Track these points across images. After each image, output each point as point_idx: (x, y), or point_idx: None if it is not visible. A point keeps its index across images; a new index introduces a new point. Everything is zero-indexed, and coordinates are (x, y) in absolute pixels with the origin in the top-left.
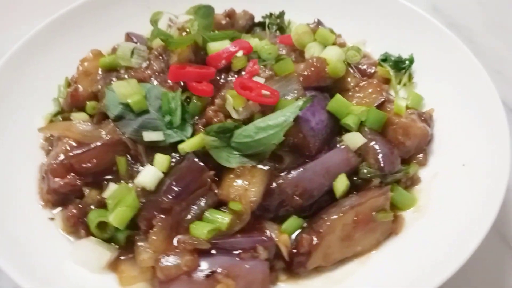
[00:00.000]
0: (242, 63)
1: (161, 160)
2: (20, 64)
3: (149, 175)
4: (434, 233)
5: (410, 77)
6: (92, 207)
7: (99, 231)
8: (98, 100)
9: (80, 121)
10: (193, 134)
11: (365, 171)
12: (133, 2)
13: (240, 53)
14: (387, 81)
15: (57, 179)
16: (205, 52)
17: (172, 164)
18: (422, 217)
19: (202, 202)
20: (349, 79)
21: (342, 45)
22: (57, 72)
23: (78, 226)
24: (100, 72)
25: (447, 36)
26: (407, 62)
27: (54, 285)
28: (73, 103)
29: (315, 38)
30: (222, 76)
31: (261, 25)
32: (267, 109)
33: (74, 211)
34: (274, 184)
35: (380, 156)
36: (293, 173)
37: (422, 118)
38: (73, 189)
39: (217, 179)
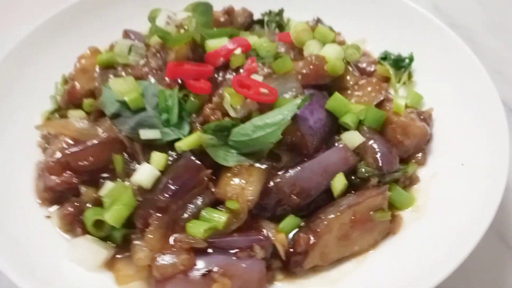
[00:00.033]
0: (240, 61)
1: (158, 158)
2: (19, 63)
3: (145, 173)
4: (432, 233)
5: (409, 76)
6: (89, 205)
7: (96, 229)
8: (95, 98)
9: (76, 119)
10: (190, 132)
11: (363, 170)
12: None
13: (238, 51)
14: (386, 79)
15: (53, 177)
16: (203, 49)
17: (169, 162)
18: (421, 217)
19: (199, 201)
20: (348, 78)
21: (341, 43)
22: (56, 70)
23: (74, 225)
24: (97, 69)
25: (447, 35)
26: (406, 60)
27: (51, 284)
28: (70, 100)
29: (314, 36)
30: (220, 74)
31: (260, 22)
32: (265, 107)
33: (71, 209)
34: (272, 183)
35: (378, 155)
36: (291, 172)
37: (422, 117)
38: (70, 187)
39: (214, 177)
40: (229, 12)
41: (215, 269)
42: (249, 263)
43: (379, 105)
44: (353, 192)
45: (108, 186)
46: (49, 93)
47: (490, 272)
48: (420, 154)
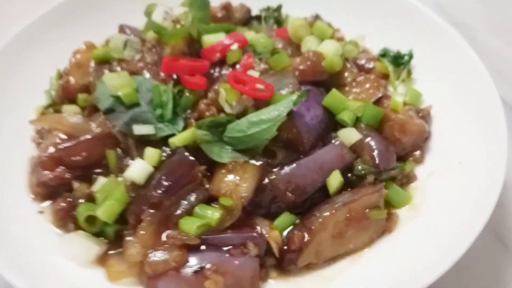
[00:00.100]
0: (236, 56)
1: (151, 154)
2: (14, 57)
3: (138, 169)
4: (428, 231)
5: (409, 73)
6: (82, 200)
7: (88, 225)
8: (89, 93)
9: (70, 114)
10: (184, 128)
11: (359, 167)
12: None
13: (234, 46)
14: (385, 76)
15: (46, 172)
16: (199, 45)
17: (163, 158)
18: (417, 215)
19: (193, 197)
20: (346, 74)
21: (340, 40)
22: (51, 65)
23: (67, 220)
24: (92, 64)
25: (447, 33)
26: (406, 57)
27: (42, 279)
28: (65, 95)
29: (312, 32)
30: (217, 70)
31: (258, 18)
32: (261, 103)
33: (63, 204)
34: (267, 180)
35: (375, 153)
36: (286, 168)
37: (420, 114)
38: (62, 182)
39: (208, 174)
40: (226, 7)
41: (208, 266)
42: (242, 260)
43: (377, 102)
44: (349, 189)
45: (100, 182)
46: (44, 88)
47: (487, 271)
48: (418, 152)
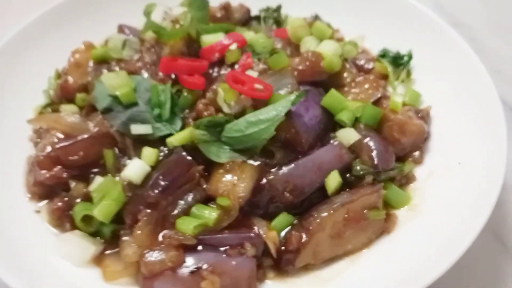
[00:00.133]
0: (235, 56)
1: (149, 153)
2: (13, 56)
3: (135, 168)
4: (427, 231)
5: (408, 74)
6: (78, 200)
7: (84, 224)
8: (88, 93)
9: (68, 113)
10: (182, 128)
11: (358, 168)
12: None
13: (233, 46)
14: (385, 77)
15: (43, 171)
16: (198, 45)
17: (161, 158)
18: (416, 215)
19: (190, 197)
20: (345, 75)
21: (340, 40)
22: (50, 64)
23: (63, 220)
24: (91, 64)
25: (447, 33)
26: (405, 58)
27: (38, 279)
28: (63, 94)
29: (311, 32)
30: (215, 69)
31: (258, 18)
32: (259, 103)
33: (60, 204)
34: (264, 180)
35: (374, 153)
36: (284, 169)
37: (419, 115)
38: (59, 182)
39: (206, 173)
40: (226, 7)
41: (204, 266)
42: (239, 260)
43: (377, 102)
44: (347, 190)
45: (97, 181)
46: (42, 88)
47: (486, 271)
48: (417, 153)
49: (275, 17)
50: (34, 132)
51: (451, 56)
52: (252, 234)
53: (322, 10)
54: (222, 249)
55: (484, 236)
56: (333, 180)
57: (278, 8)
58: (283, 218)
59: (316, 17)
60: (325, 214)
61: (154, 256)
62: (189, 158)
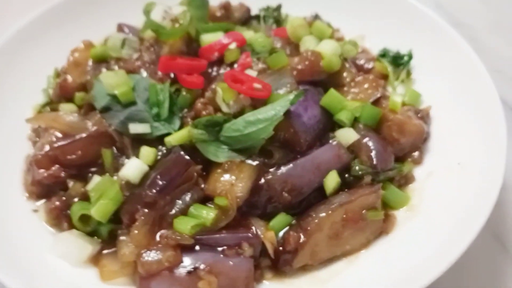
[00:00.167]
0: (234, 56)
1: (147, 153)
2: (12, 55)
3: (133, 168)
4: (426, 232)
5: (408, 74)
6: (76, 199)
7: (82, 224)
8: (87, 91)
9: (67, 112)
10: (181, 127)
11: (357, 168)
12: None
13: (233, 45)
14: (385, 77)
15: (41, 170)
16: (198, 44)
17: (159, 157)
18: (415, 216)
19: (187, 197)
20: (344, 74)
21: (340, 40)
22: (49, 63)
23: (61, 219)
24: (90, 63)
25: (447, 33)
26: (405, 58)
27: (35, 278)
28: (62, 93)
29: (311, 32)
30: (215, 69)
31: (258, 18)
32: (258, 103)
33: (57, 203)
34: (263, 180)
35: (373, 153)
36: (283, 169)
37: (419, 115)
38: (57, 181)
39: (204, 173)
40: (225, 6)
41: (202, 266)
42: (236, 261)
43: (376, 102)
44: (346, 190)
45: (95, 180)
46: (41, 86)
47: (485, 271)
48: (416, 153)
49: (275, 17)
50: (33, 131)
51: (451, 56)
52: (249, 234)
53: (322, 10)
54: (219, 249)
55: (483, 236)
56: (332, 180)
57: (278, 8)
58: (281, 218)
59: (316, 17)
60: (323, 214)
61: (151, 256)
62: (187, 157)
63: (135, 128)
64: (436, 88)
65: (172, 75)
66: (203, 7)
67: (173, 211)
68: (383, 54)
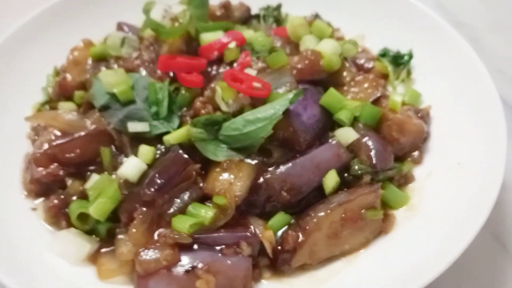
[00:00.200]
0: (234, 55)
1: (146, 151)
2: (12, 53)
3: (131, 166)
4: (426, 232)
5: (408, 73)
6: (75, 198)
7: (80, 222)
8: (86, 90)
9: (66, 111)
10: (180, 126)
11: (356, 167)
12: None
13: (232, 44)
14: (385, 76)
15: (40, 169)
16: (197, 43)
17: (157, 156)
18: (414, 216)
19: (186, 196)
20: (344, 74)
21: (340, 39)
22: (49, 62)
23: (59, 217)
24: (89, 61)
25: (448, 32)
26: (405, 57)
27: (33, 277)
28: (61, 92)
29: (311, 31)
30: (214, 68)
31: (258, 17)
32: (258, 102)
33: (56, 201)
34: (262, 179)
35: (372, 153)
36: (282, 168)
37: (419, 115)
38: (56, 179)
39: (203, 172)
40: (225, 6)
41: (200, 265)
42: (234, 260)
43: (376, 102)
44: (345, 189)
45: (93, 179)
46: (41, 85)
47: (485, 271)
48: (416, 153)
49: (275, 16)
50: (32, 129)
51: (451, 56)
52: (248, 234)
53: (323, 9)
54: (217, 248)
55: (483, 236)
56: (331, 180)
57: (278, 7)
58: (280, 217)
59: (316, 16)
60: (322, 213)
61: (149, 254)
62: (186, 156)
63: (134, 126)
64: (436, 88)
65: (171, 74)
66: (203, 6)
67: (172, 210)
68: (383, 54)
